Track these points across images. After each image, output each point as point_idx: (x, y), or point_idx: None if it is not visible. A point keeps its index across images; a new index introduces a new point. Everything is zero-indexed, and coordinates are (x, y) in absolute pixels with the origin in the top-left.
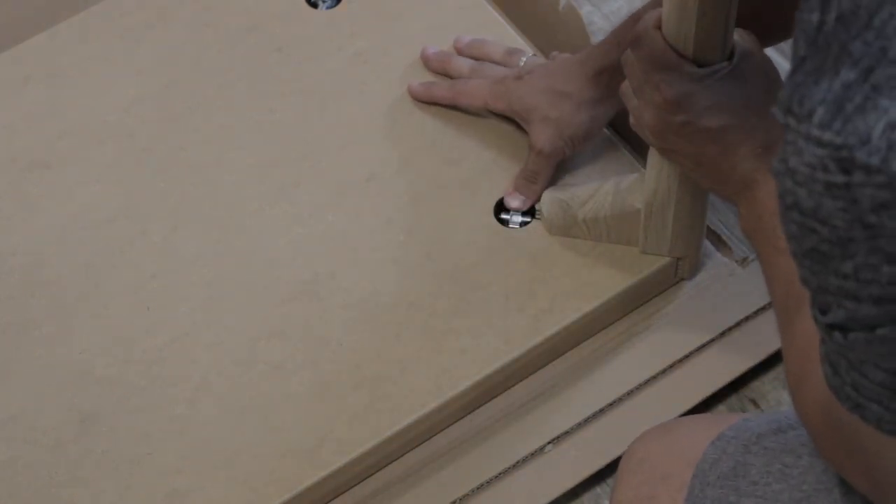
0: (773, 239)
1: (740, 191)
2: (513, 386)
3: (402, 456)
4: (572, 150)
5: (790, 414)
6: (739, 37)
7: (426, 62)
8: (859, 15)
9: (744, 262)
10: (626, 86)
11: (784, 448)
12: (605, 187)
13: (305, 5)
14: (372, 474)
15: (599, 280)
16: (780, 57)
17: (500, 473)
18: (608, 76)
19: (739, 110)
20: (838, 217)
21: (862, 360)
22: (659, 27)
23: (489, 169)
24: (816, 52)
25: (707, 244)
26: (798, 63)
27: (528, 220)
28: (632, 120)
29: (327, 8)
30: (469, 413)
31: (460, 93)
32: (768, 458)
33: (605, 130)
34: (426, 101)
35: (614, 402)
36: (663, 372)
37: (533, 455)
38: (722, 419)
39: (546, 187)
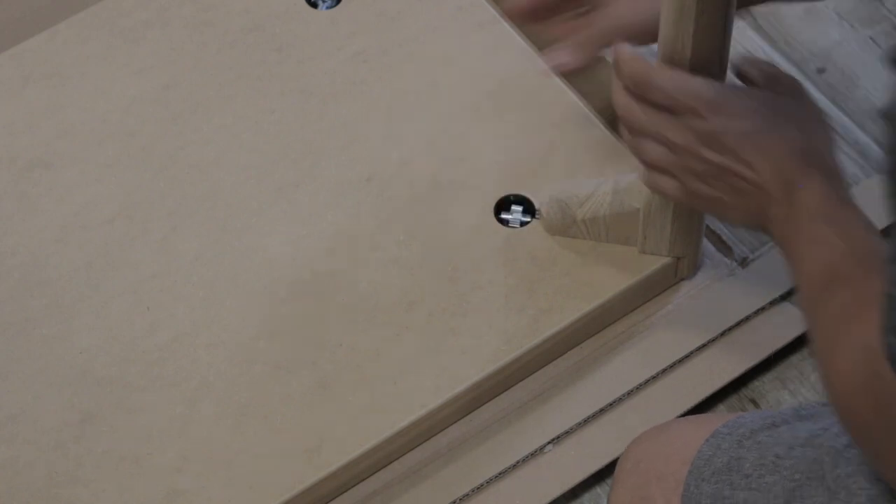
0: (806, 235)
1: (783, 193)
2: (513, 386)
3: (401, 456)
4: (642, 34)
5: (784, 411)
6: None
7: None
8: None
9: (744, 262)
10: (629, 139)
11: (776, 442)
12: (603, 187)
13: (305, 5)
14: (372, 474)
15: (599, 280)
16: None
17: (499, 473)
18: None
19: (772, 116)
20: None
21: None
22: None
23: (489, 169)
24: None
25: (707, 244)
26: None
27: (528, 219)
28: (645, 175)
29: (327, 8)
30: (469, 413)
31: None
32: (761, 451)
33: (604, 130)
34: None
35: (614, 401)
36: (663, 372)
37: (533, 455)
38: (715, 418)
39: (594, 53)
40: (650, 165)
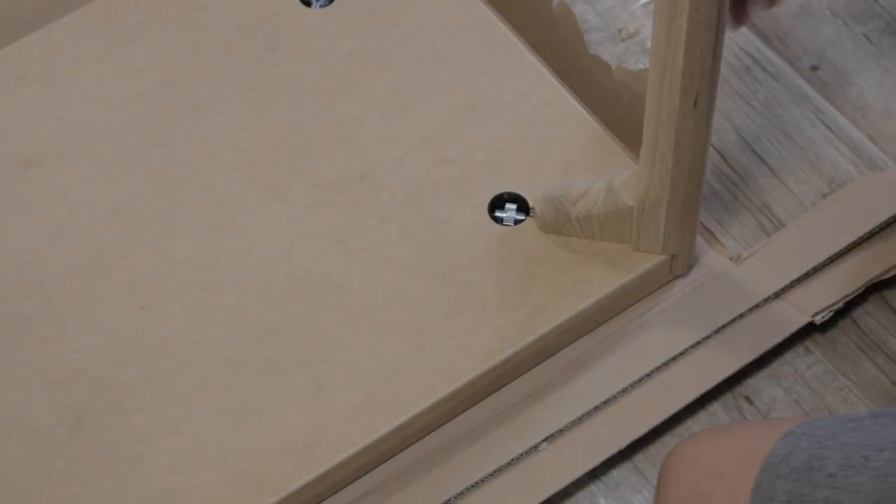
0: None
1: None
2: (507, 384)
3: (396, 454)
4: None
5: (862, 415)
6: None
7: None
8: None
9: (738, 259)
10: None
11: (863, 444)
12: (597, 185)
13: (299, 4)
14: (366, 473)
15: (593, 278)
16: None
17: (494, 472)
18: None
19: None
20: None
21: None
22: None
23: (483, 167)
24: None
25: (701, 241)
26: None
27: (522, 217)
28: None
29: (321, 6)
30: (463, 411)
31: None
32: (846, 451)
33: (599, 128)
34: None
35: (609, 399)
36: (658, 369)
37: (527, 453)
38: (778, 423)
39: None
40: None
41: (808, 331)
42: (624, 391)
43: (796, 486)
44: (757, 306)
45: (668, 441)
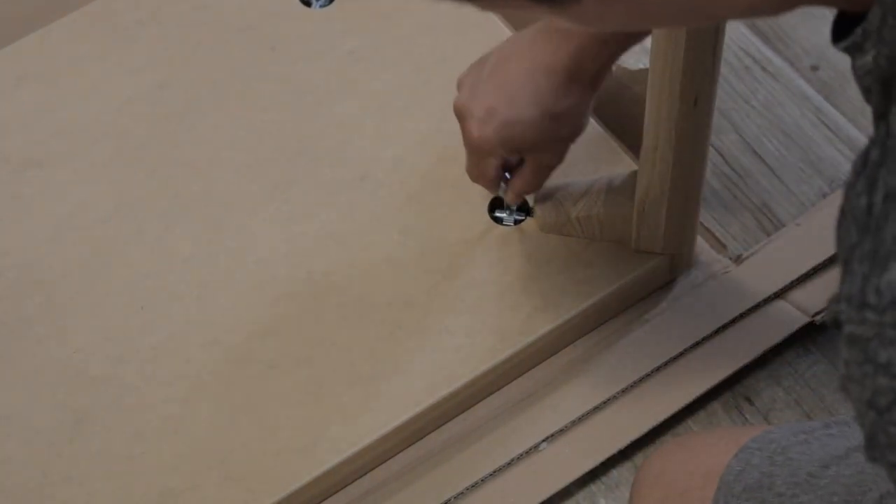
0: None
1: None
2: (507, 384)
3: (396, 454)
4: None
5: (814, 424)
6: None
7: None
8: None
9: (738, 259)
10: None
11: (810, 459)
12: (597, 185)
13: (299, 4)
14: (366, 473)
15: (593, 278)
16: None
17: (494, 471)
18: (601, 77)
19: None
20: None
21: None
22: None
23: None
24: (868, 235)
25: (700, 241)
26: (849, 252)
27: (522, 217)
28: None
29: (321, 6)
30: (463, 411)
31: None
32: (793, 468)
33: (599, 128)
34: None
35: (609, 399)
36: (657, 370)
37: (528, 453)
38: (739, 431)
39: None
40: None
41: (808, 331)
42: (624, 391)
43: None
44: (757, 306)
45: (668, 441)
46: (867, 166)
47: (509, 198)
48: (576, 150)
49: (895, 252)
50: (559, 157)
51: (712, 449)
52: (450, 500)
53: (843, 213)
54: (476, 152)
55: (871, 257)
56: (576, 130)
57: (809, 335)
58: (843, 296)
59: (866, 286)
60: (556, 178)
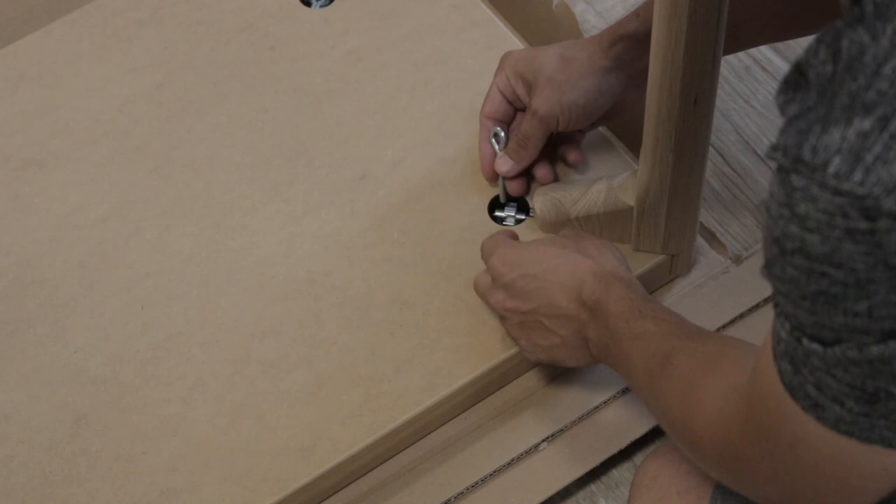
0: (627, 335)
1: (589, 313)
2: (507, 384)
3: (396, 454)
4: (567, 120)
5: None
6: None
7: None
8: (866, 63)
9: (738, 259)
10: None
11: None
12: (597, 185)
13: (299, 3)
14: (366, 473)
15: None
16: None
17: (494, 471)
18: (623, 46)
19: (559, 253)
20: (859, 261)
21: (834, 364)
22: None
23: None
24: (824, 102)
25: (701, 241)
26: (801, 111)
27: (522, 217)
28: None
29: (321, 6)
30: (463, 411)
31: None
32: None
33: (599, 128)
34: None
35: (609, 399)
36: None
37: (528, 453)
38: None
39: (536, 155)
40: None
41: None
42: (624, 391)
43: (746, 502)
44: (757, 306)
45: (666, 441)
46: (836, 37)
47: (505, 166)
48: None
49: (841, 120)
50: (543, 99)
51: None
52: (450, 500)
53: (804, 76)
54: (500, 63)
55: (820, 120)
56: (570, 79)
57: None
58: (781, 145)
59: (804, 143)
60: (556, 178)
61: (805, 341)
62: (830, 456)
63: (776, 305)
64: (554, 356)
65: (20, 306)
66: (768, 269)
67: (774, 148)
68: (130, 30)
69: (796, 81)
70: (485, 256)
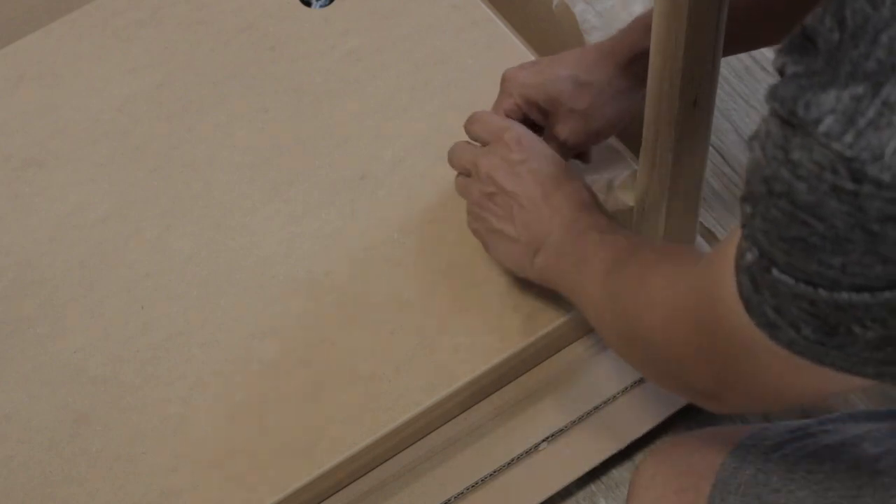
0: (596, 267)
1: (560, 234)
2: (507, 384)
3: (396, 454)
4: (594, 143)
5: (810, 421)
6: None
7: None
8: (867, 30)
9: None
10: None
11: (804, 455)
12: (597, 185)
13: (299, 3)
14: (366, 473)
15: None
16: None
17: (494, 471)
18: (642, 65)
19: (560, 171)
20: (840, 219)
21: (801, 296)
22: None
23: None
24: (829, 69)
25: (701, 241)
26: (806, 72)
27: None
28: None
29: (321, 6)
30: (464, 411)
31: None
32: (789, 465)
33: None
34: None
35: (609, 399)
36: None
37: (528, 453)
38: (732, 431)
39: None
40: (461, 192)
41: None
42: (624, 391)
43: (745, 501)
44: None
45: (665, 441)
46: (840, 6)
47: None
48: None
49: (841, 84)
50: (570, 132)
51: (707, 448)
52: (450, 500)
53: (812, 42)
54: (503, 86)
55: (823, 84)
56: (593, 108)
57: None
58: (779, 95)
59: (800, 97)
60: None
61: (775, 271)
62: (773, 368)
63: (744, 227)
64: (492, 242)
65: (20, 306)
66: (752, 204)
67: (773, 94)
68: (130, 30)
69: (803, 45)
70: (479, 117)
